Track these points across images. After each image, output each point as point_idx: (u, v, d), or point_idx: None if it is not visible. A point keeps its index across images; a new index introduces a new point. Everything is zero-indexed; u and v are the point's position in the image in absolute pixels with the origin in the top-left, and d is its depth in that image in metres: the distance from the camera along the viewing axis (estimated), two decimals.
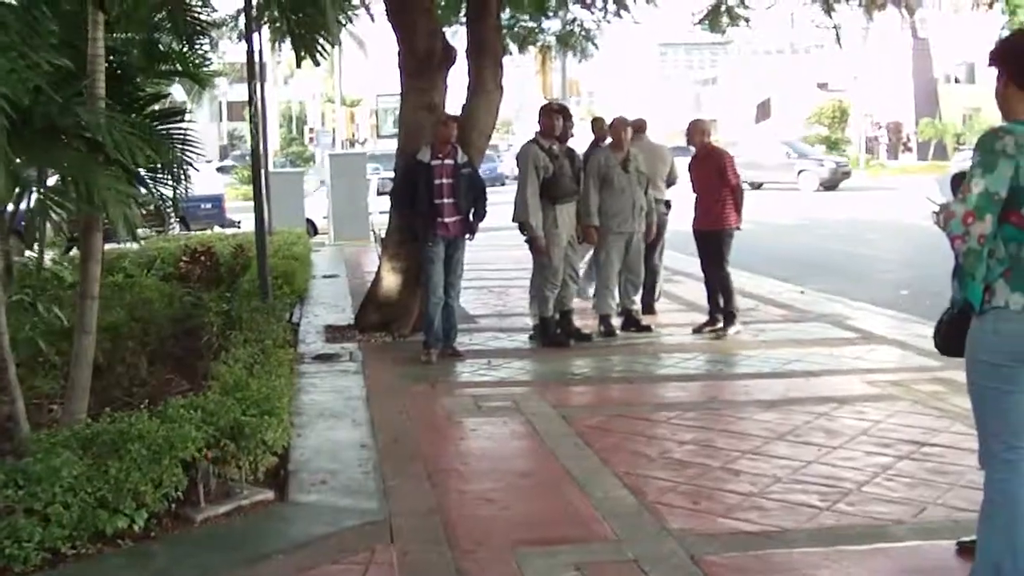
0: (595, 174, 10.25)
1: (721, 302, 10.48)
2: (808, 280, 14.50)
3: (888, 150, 57.12)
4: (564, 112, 10.42)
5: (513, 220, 10.01)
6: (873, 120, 57.33)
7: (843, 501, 5.53)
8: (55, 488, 4.90)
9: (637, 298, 10.87)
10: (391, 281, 10.74)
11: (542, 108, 10.35)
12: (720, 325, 10.43)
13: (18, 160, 5.82)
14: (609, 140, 10.63)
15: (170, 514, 5.33)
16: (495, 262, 16.04)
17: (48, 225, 5.94)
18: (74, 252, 7.27)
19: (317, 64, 9.98)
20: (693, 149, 10.66)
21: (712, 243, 10.34)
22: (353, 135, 47.56)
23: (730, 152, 10.99)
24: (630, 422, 7.22)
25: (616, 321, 10.62)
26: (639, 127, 11.44)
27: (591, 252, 11.18)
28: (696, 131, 10.57)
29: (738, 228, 10.41)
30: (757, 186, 37.52)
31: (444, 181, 9.41)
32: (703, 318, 10.75)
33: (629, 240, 10.44)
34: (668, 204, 11.60)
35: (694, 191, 10.54)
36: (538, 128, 10.09)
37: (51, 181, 6.55)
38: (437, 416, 7.58)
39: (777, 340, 10.17)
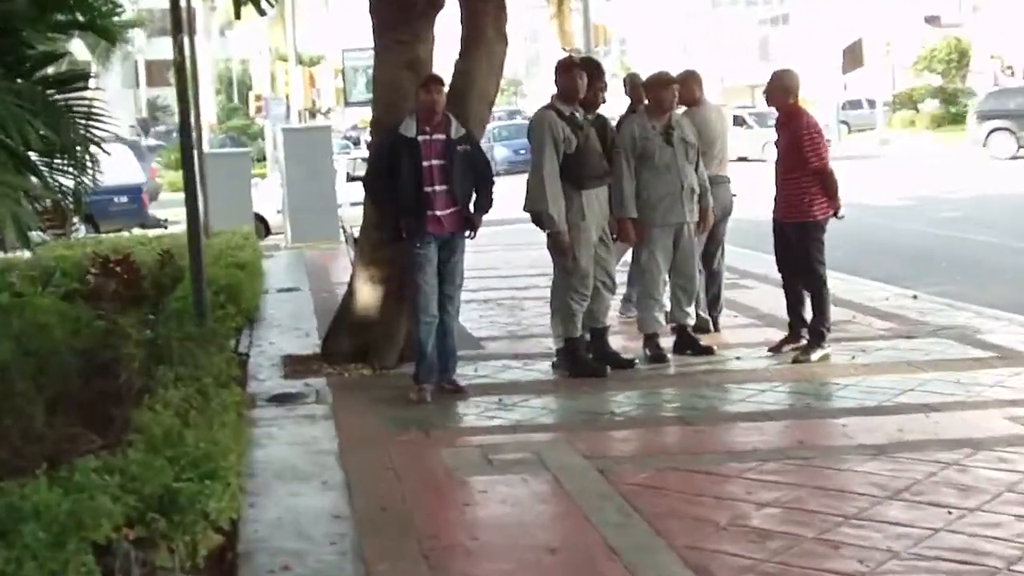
0: (629, 148, 10.29)
1: (808, 314, 10.47)
2: (921, 281, 14.51)
3: None
4: (591, 68, 10.40)
5: (526, 210, 10.01)
6: (1004, 64, 57.11)
7: None
8: None
9: (692, 310, 10.87)
10: (369, 295, 10.75)
11: (560, 63, 10.33)
12: (804, 344, 10.40)
13: None
14: (646, 103, 10.68)
15: None
16: (504, 266, 16.07)
17: None
18: None
19: (262, 13, 9.95)
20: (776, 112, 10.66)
21: (796, 238, 10.33)
22: (314, 103, 47.72)
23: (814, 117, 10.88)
24: (690, 478, 7.17)
25: (666, 342, 10.63)
26: (690, 84, 11.35)
27: (629, 252, 11.21)
28: (777, 88, 10.49)
29: (836, 216, 10.39)
30: None
31: (435, 162, 9.41)
32: (779, 334, 10.72)
33: (678, 234, 10.48)
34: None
35: (776, 169, 10.58)
36: (556, 90, 10.09)
37: None
38: (434, 474, 7.55)
39: (883, 363, 10.14)
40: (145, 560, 5.58)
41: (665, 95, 10.45)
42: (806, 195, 10.21)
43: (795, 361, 10.22)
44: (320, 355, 10.98)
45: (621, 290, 11.84)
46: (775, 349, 10.56)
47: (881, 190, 28.56)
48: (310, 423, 8.86)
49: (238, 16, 10.02)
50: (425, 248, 9.42)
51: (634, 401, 9.29)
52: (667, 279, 10.65)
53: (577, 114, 9.99)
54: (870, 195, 26.10)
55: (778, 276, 10.96)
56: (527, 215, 10.05)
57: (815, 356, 10.25)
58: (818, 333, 10.37)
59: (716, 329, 11.58)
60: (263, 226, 24.63)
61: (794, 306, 10.60)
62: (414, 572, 5.84)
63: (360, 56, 37.13)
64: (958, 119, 50.33)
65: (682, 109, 10.99)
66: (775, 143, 10.67)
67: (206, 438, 6.38)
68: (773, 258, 10.84)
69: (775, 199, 10.46)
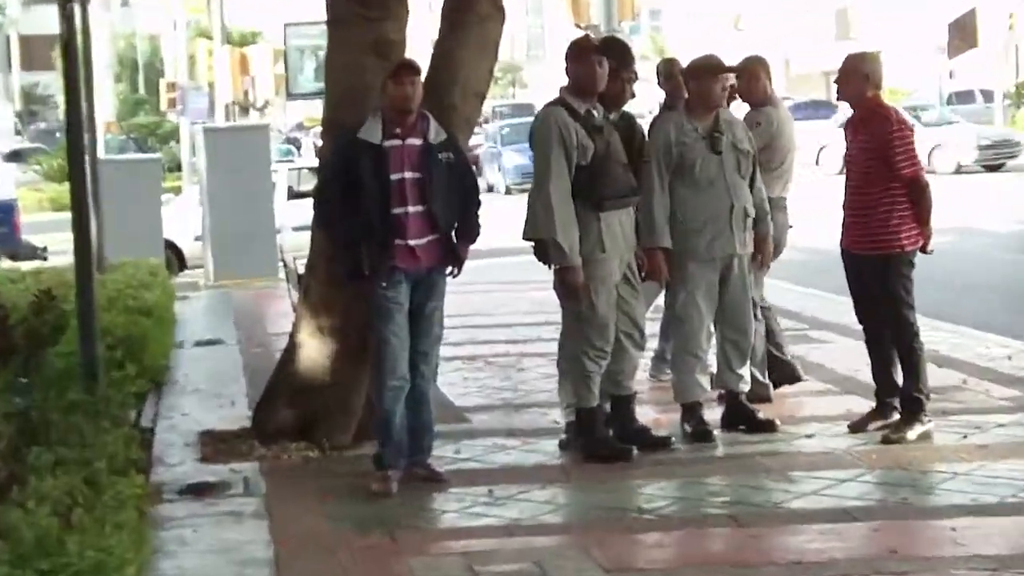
0: (662, 157, 10.35)
1: (899, 376, 10.46)
2: None
3: None
4: (614, 51, 10.43)
5: (526, 238, 10.07)
6: None
7: None
8: None
9: (747, 372, 10.87)
10: (316, 350, 10.77)
11: (573, 46, 10.37)
12: (897, 418, 10.38)
13: None
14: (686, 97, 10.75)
15: None
16: (497, 312, 16.13)
17: None
18: None
19: None
20: (847, 108, 10.69)
21: (879, 276, 10.30)
22: (246, 95, 47.92)
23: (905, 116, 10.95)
24: None
25: (713, 414, 10.67)
26: (756, 74, 11.43)
27: (662, 294, 11.25)
28: (852, 75, 10.49)
29: (924, 250, 10.38)
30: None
31: (407, 175, 9.44)
32: (863, 404, 10.73)
33: (726, 270, 10.51)
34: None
35: (848, 182, 10.60)
36: (567, 80, 10.14)
37: None
38: None
39: (1005, 444, 10.13)
40: None
41: (711, 87, 10.46)
42: (892, 217, 10.19)
43: (886, 441, 10.20)
44: (251, 430, 10.95)
45: (652, 345, 11.86)
46: (858, 426, 10.53)
47: (996, 210, 28.61)
48: (236, 523, 8.83)
49: None
50: (394, 289, 9.42)
51: (669, 494, 9.29)
52: (712, 330, 10.67)
53: (595, 112, 10.00)
54: (980, 217, 26.16)
55: (858, 325, 10.97)
56: (528, 244, 10.09)
57: (912, 434, 10.23)
58: (915, 403, 10.34)
59: (769, 399, 11.55)
60: (176, 257, 24.78)
61: (882, 368, 10.58)
62: None
63: (308, 33, 37.33)
64: None
65: (737, 109, 11.03)
66: (847, 150, 10.67)
67: (95, 545, 6.39)
68: (849, 300, 10.87)
69: (846, 223, 10.45)
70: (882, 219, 10.19)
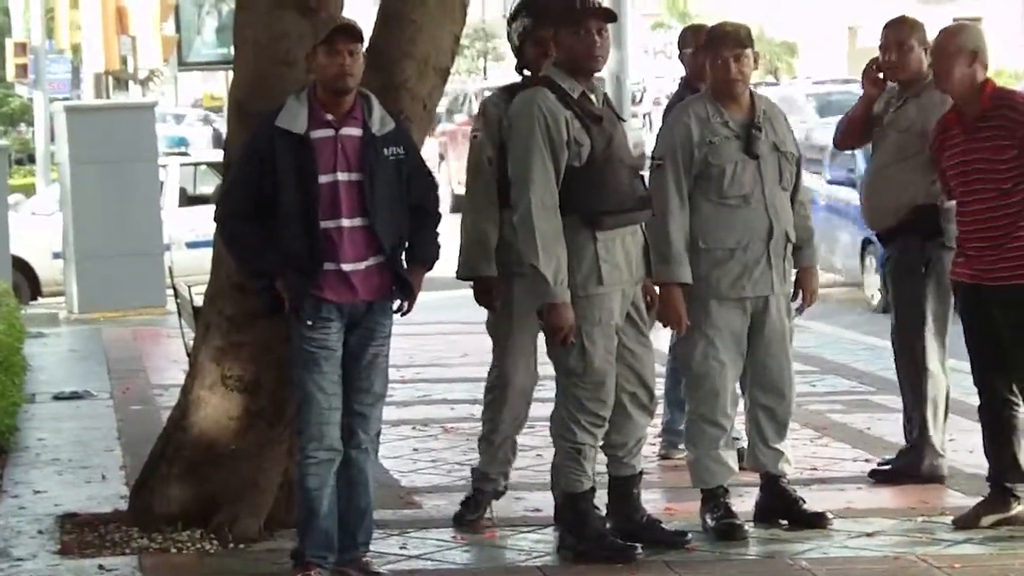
0: (681, 160, 10.43)
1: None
2: None
3: None
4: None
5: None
6: None
7: None
8: None
9: (787, 446, 10.91)
10: (218, 409, 10.81)
11: (561, 6, 10.41)
12: (1019, 510, 10.53)
13: None
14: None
15: None
16: (459, 362, 16.20)
17: None
18: None
19: None
20: (947, 99, 10.81)
21: (1018, 314, 10.31)
22: (124, 62, 47.85)
23: None
24: None
25: (741, 502, 10.78)
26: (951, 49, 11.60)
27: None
28: (954, 52, 10.52)
29: None
30: None
31: (341, 177, 9.51)
32: (949, 493, 10.96)
33: (760, 314, 10.58)
34: None
35: (951, 195, 10.80)
36: (555, 52, 10.20)
37: None
38: None
39: None
40: None
41: (727, 64, 10.44)
42: None
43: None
44: (128, 514, 10.99)
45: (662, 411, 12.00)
46: (968, 521, 10.57)
47: None
48: None
49: None
50: (322, 329, 9.48)
51: None
52: (739, 393, 10.77)
53: (592, 97, 10.09)
54: None
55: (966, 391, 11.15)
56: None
57: None
58: None
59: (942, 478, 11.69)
60: (28, 281, 24.75)
61: (1004, 443, 10.59)
62: None
63: None
64: None
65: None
66: (951, 159, 10.58)
67: None
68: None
69: (968, 253, 10.50)
70: (1014, 238, 10.23)
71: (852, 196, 18.49)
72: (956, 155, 10.48)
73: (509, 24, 10.80)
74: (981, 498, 10.69)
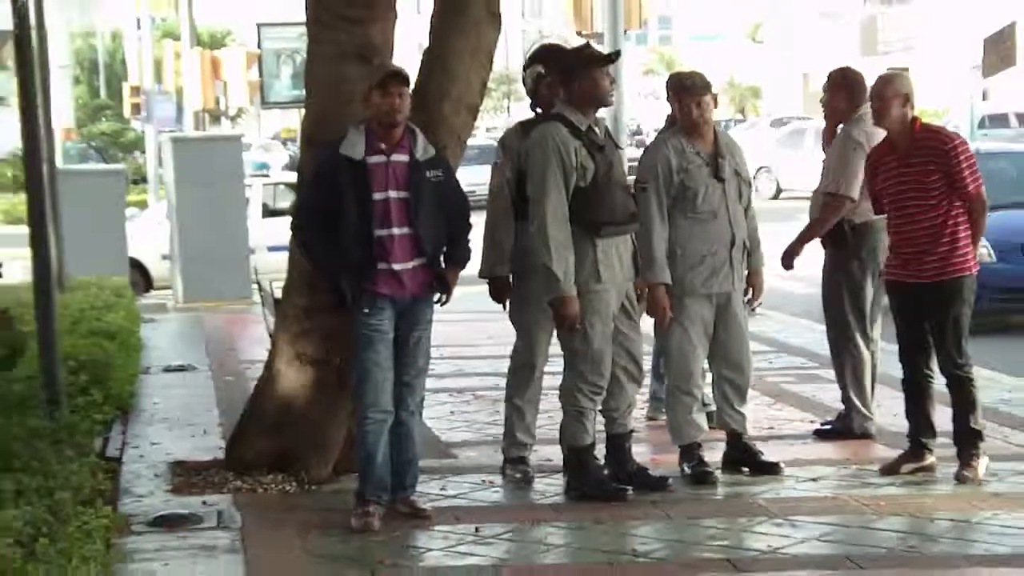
0: (662, 184, 10.46)
1: (935, 418, 10.69)
2: None
3: None
4: (549, 58, 10.66)
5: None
6: None
7: None
8: None
9: (746, 410, 10.98)
10: (294, 380, 10.82)
11: (575, 54, 10.52)
12: (931, 460, 10.61)
13: None
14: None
15: None
16: (487, 343, 16.16)
17: None
18: None
19: None
20: (875, 131, 10.94)
21: (944, 304, 10.42)
22: (218, 102, 47.73)
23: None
24: None
25: (711, 453, 10.80)
26: (857, 86, 11.72)
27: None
28: (891, 96, 10.56)
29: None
30: None
31: (392, 194, 9.53)
32: (876, 447, 11.03)
33: (723, 306, 10.64)
34: None
35: (881, 210, 10.84)
36: (566, 92, 10.19)
37: None
38: None
39: (1021, 493, 10.27)
40: None
41: (689, 107, 10.53)
42: (959, 239, 10.36)
43: (961, 478, 10.36)
44: (223, 462, 11.01)
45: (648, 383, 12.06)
46: (891, 469, 10.67)
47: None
48: (209, 558, 8.90)
49: None
50: (377, 316, 9.52)
51: (665, 537, 9.35)
52: (707, 368, 10.86)
53: (597, 129, 10.13)
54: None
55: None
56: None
57: (981, 469, 10.44)
58: (976, 436, 10.54)
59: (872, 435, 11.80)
60: (142, 277, 24.73)
61: (922, 409, 10.70)
62: None
63: (285, 36, 36.85)
64: None
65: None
66: (888, 180, 10.61)
67: None
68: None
69: (903, 256, 10.53)
70: (949, 242, 10.30)
71: None
72: (891, 177, 10.52)
73: (524, 70, 10.82)
74: (901, 451, 10.76)
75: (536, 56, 10.84)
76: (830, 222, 11.71)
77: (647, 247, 10.33)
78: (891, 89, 10.53)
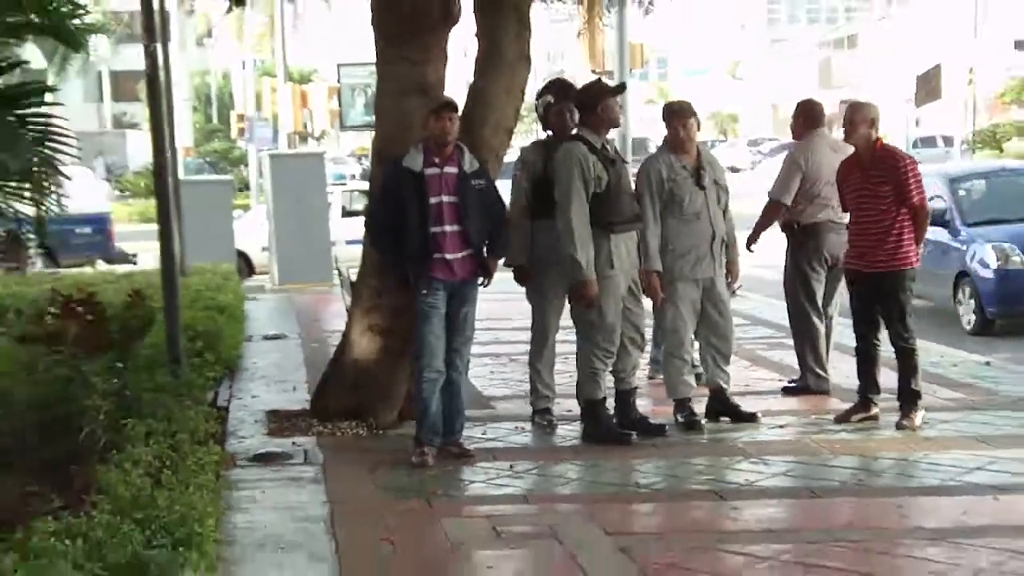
0: (655, 192, 10.44)
1: (880, 378, 10.68)
2: (998, 346, 14.48)
3: None
4: (562, 89, 10.75)
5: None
6: None
7: None
8: None
9: (729, 371, 10.95)
10: (366, 346, 10.83)
11: (590, 88, 10.55)
12: (876, 411, 10.60)
13: None
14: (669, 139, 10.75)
15: None
16: (519, 317, 15.61)
17: None
18: None
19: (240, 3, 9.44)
20: (848, 148, 10.89)
21: (890, 289, 10.44)
22: (305, 126, 47.75)
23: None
24: (722, 559, 7.28)
25: (698, 406, 10.77)
26: (811, 114, 11.76)
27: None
28: (859, 120, 10.54)
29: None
30: None
31: (444, 199, 9.55)
32: (830, 401, 10.94)
33: (708, 288, 10.61)
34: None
35: (846, 210, 10.82)
36: (582, 119, 10.22)
37: None
38: (436, 548, 7.66)
39: (948, 437, 10.18)
40: None
41: (676, 129, 10.54)
42: (903, 239, 10.35)
43: (901, 427, 10.32)
44: (309, 411, 11.06)
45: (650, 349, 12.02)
46: (843, 418, 10.63)
47: None
48: (297, 487, 8.94)
49: (233, 7, 9.78)
50: (432, 296, 9.54)
51: (662, 472, 9.35)
52: (694, 337, 10.83)
53: (608, 147, 10.14)
54: None
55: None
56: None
57: (918, 419, 10.40)
58: (916, 395, 10.51)
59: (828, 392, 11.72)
60: (246, 264, 24.76)
61: (869, 370, 10.70)
62: None
63: (359, 73, 36.78)
64: None
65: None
66: (853, 186, 10.63)
67: (180, 500, 6.51)
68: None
69: (860, 248, 10.53)
70: (895, 241, 10.31)
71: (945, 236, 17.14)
72: (854, 186, 10.54)
73: (536, 99, 10.83)
74: (852, 403, 10.75)
75: (546, 88, 10.85)
76: (768, 220, 11.90)
77: (643, 241, 10.32)
78: (860, 115, 10.52)
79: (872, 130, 10.54)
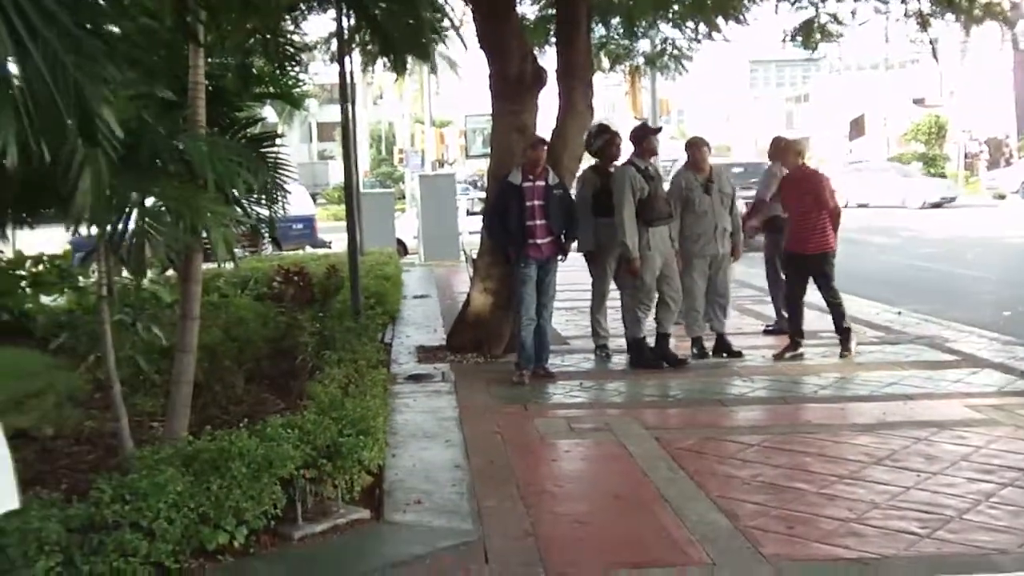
0: (677, 197, 10.31)
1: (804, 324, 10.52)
2: (905, 301, 14.26)
3: (988, 166, 55.95)
4: (611, 130, 10.73)
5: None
6: (972, 136, 56.24)
7: (944, 528, 5.46)
8: (160, 504, 5.01)
9: (727, 321, 10.77)
10: (482, 302, 10.82)
11: (638, 129, 10.44)
12: (801, 350, 10.36)
13: (132, 195, 5.90)
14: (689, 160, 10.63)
15: (269, 531, 5.46)
16: (585, 283, 15.78)
17: (148, 246, 6.06)
18: (170, 272, 7.44)
19: (404, 70, 9.60)
20: (785, 170, 10.74)
21: (818, 265, 10.25)
22: (442, 156, 47.85)
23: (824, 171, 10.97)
24: (723, 445, 7.22)
25: (706, 345, 10.58)
26: (780, 145, 11.40)
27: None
28: (789, 152, 10.58)
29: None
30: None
31: (535, 203, 9.51)
32: (783, 341, 10.67)
33: (714, 263, 10.44)
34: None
35: (786, 212, 10.61)
36: (635, 150, 10.18)
37: (148, 202, 6.55)
38: (530, 437, 7.63)
39: (873, 363, 10.05)
40: (316, 492, 5.81)
41: (695, 153, 10.45)
42: (826, 231, 10.17)
43: (842, 356, 10.17)
44: (445, 346, 11.05)
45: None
46: (779, 355, 10.36)
47: (877, 231, 28.19)
48: (437, 396, 8.96)
49: (400, 73, 9.88)
50: (527, 268, 9.50)
51: (684, 387, 9.26)
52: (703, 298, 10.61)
53: (650, 168, 10.04)
54: (869, 235, 25.73)
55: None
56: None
57: (854, 349, 10.27)
58: (848, 331, 10.36)
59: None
60: (402, 248, 24.76)
61: (798, 319, 10.47)
62: (513, 508, 5.97)
63: (480, 120, 36.85)
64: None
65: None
66: (788, 195, 10.46)
67: (361, 405, 6.52)
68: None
69: (797, 237, 10.31)
70: (821, 232, 10.13)
71: None
72: (791, 195, 10.39)
73: (589, 136, 10.74)
74: (787, 344, 10.45)
75: (596, 131, 10.77)
76: (756, 210, 11.63)
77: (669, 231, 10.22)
78: (792, 148, 10.72)
79: (799, 158, 10.56)
